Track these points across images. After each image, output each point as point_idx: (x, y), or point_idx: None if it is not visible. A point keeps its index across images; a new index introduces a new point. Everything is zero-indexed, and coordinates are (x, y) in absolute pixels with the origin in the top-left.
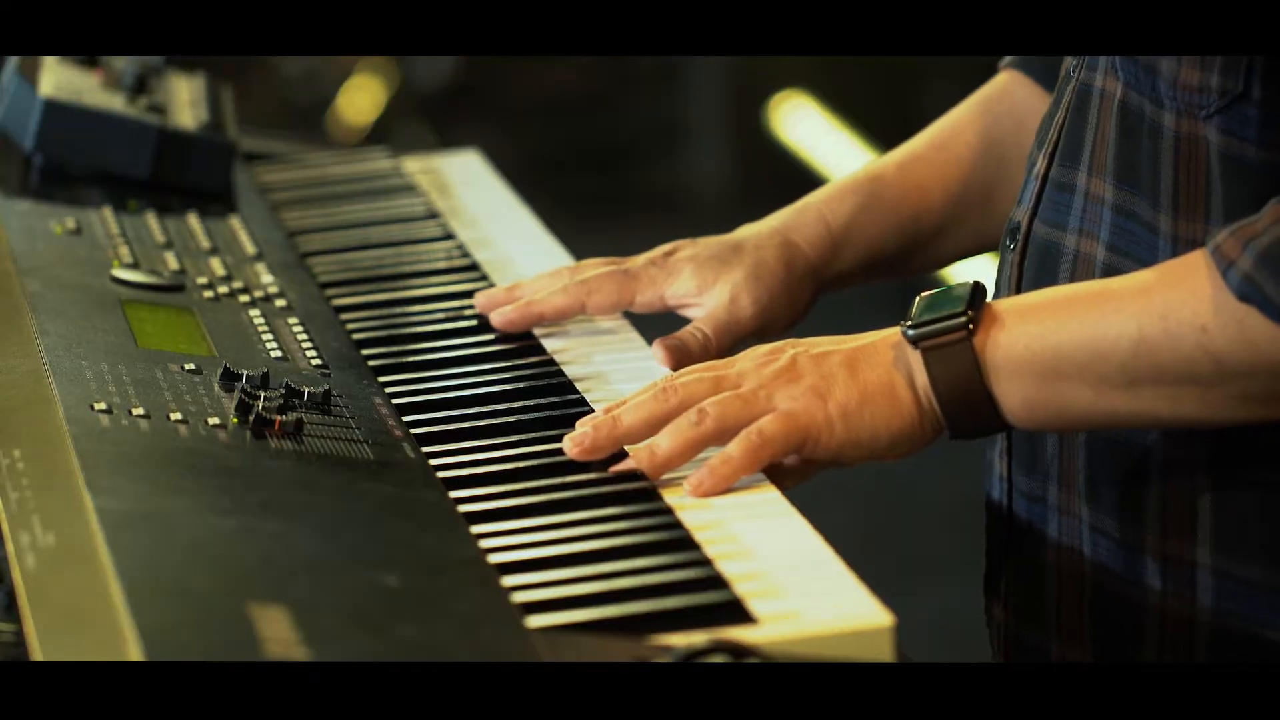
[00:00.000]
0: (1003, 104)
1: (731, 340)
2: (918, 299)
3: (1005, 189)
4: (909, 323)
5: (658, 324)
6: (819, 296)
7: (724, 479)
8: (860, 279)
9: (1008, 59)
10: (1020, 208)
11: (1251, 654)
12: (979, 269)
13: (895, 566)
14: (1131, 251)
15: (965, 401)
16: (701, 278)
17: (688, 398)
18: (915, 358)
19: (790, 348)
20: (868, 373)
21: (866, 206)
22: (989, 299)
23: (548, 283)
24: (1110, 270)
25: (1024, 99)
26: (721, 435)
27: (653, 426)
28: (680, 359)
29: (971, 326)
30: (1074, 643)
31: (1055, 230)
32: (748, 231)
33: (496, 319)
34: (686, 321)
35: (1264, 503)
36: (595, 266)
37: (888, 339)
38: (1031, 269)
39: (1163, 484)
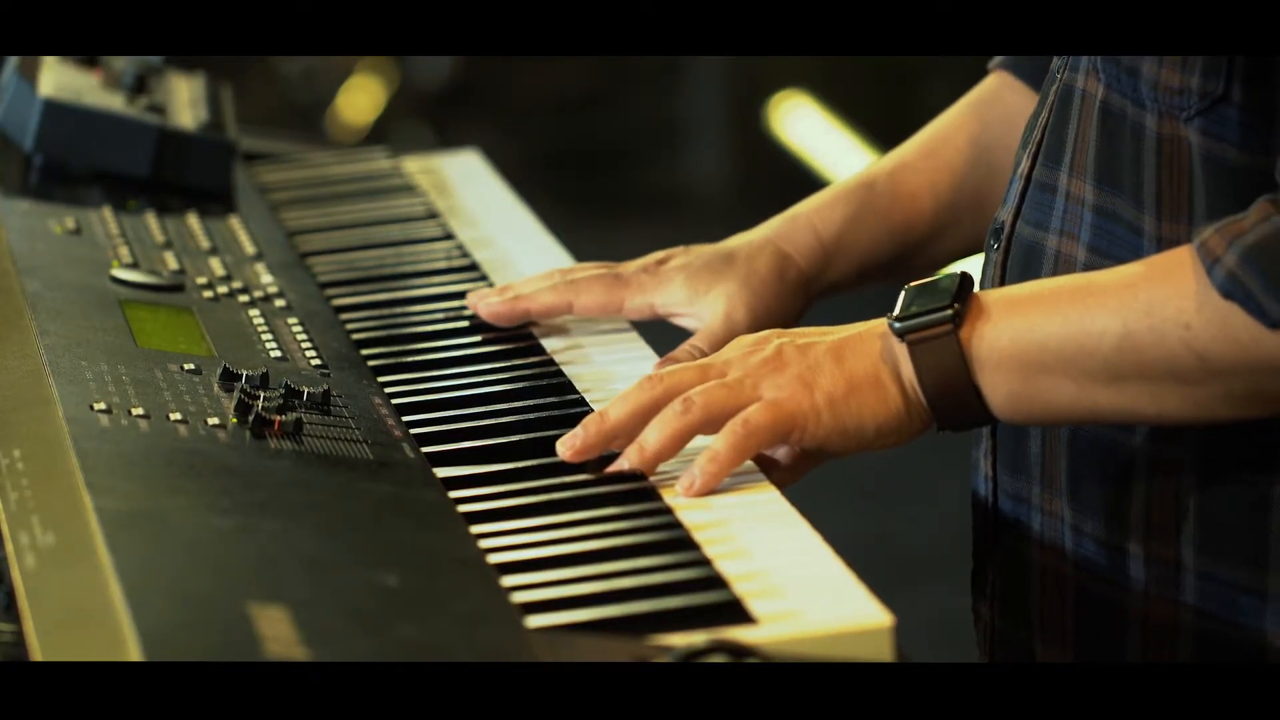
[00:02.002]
0: (993, 109)
1: None
2: (905, 291)
3: (996, 193)
4: (895, 315)
5: (658, 324)
6: (811, 305)
7: (713, 476)
8: (853, 287)
9: (997, 60)
10: (1004, 208)
11: (1233, 655)
12: (973, 261)
13: (895, 566)
14: (1112, 252)
15: (950, 394)
16: (693, 288)
17: (673, 386)
18: (901, 350)
19: (776, 337)
20: (854, 362)
21: (857, 215)
22: (976, 292)
23: (539, 281)
24: (1091, 271)
25: (1014, 102)
26: (708, 424)
27: (639, 417)
28: None
29: (958, 319)
30: (1056, 643)
31: (1038, 231)
32: (739, 241)
33: (483, 309)
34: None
35: (1247, 503)
36: (588, 269)
37: (874, 329)
38: (1015, 269)
39: (1146, 485)
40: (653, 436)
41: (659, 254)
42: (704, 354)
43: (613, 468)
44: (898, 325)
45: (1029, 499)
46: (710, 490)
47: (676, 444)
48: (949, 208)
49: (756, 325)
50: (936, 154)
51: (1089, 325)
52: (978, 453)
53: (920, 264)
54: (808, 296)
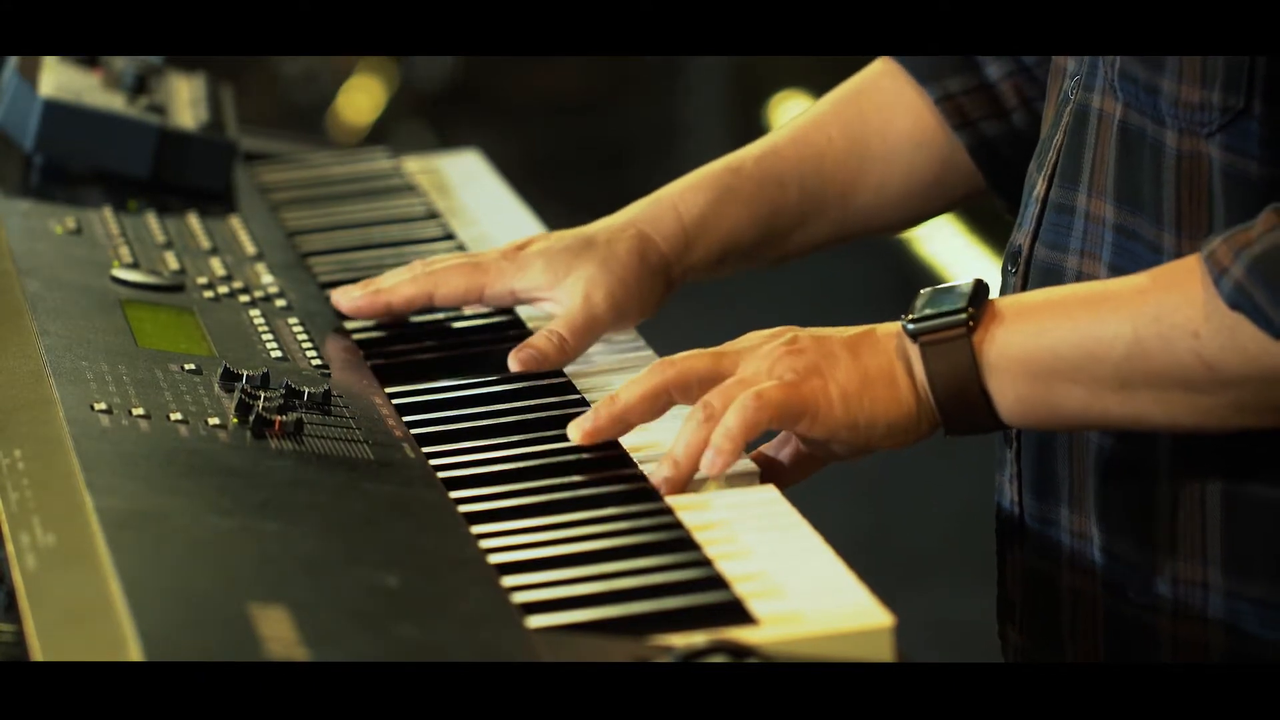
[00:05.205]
0: (871, 99)
1: (590, 338)
2: (920, 294)
3: (866, 183)
4: (910, 317)
5: (658, 322)
6: (674, 288)
7: (729, 454)
8: (715, 271)
9: None
10: (1020, 231)
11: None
12: (980, 271)
13: (895, 566)
14: (1134, 271)
15: (960, 398)
16: (553, 272)
17: (684, 372)
18: (914, 351)
19: (790, 331)
20: (869, 358)
21: (721, 199)
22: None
23: (401, 274)
24: None
25: (894, 93)
26: None
27: (649, 401)
28: (537, 367)
29: (971, 324)
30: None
31: (1056, 252)
32: (600, 225)
33: (345, 303)
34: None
35: (1275, 521)
36: (449, 259)
37: (889, 328)
38: None
39: (1173, 505)
40: (681, 449)
41: (519, 240)
42: (563, 338)
43: (655, 480)
44: (911, 327)
45: (1058, 522)
46: (729, 467)
47: (700, 455)
48: (816, 195)
49: (616, 308)
50: (807, 141)
51: (1099, 331)
52: (1002, 477)
53: (785, 251)
54: (669, 279)
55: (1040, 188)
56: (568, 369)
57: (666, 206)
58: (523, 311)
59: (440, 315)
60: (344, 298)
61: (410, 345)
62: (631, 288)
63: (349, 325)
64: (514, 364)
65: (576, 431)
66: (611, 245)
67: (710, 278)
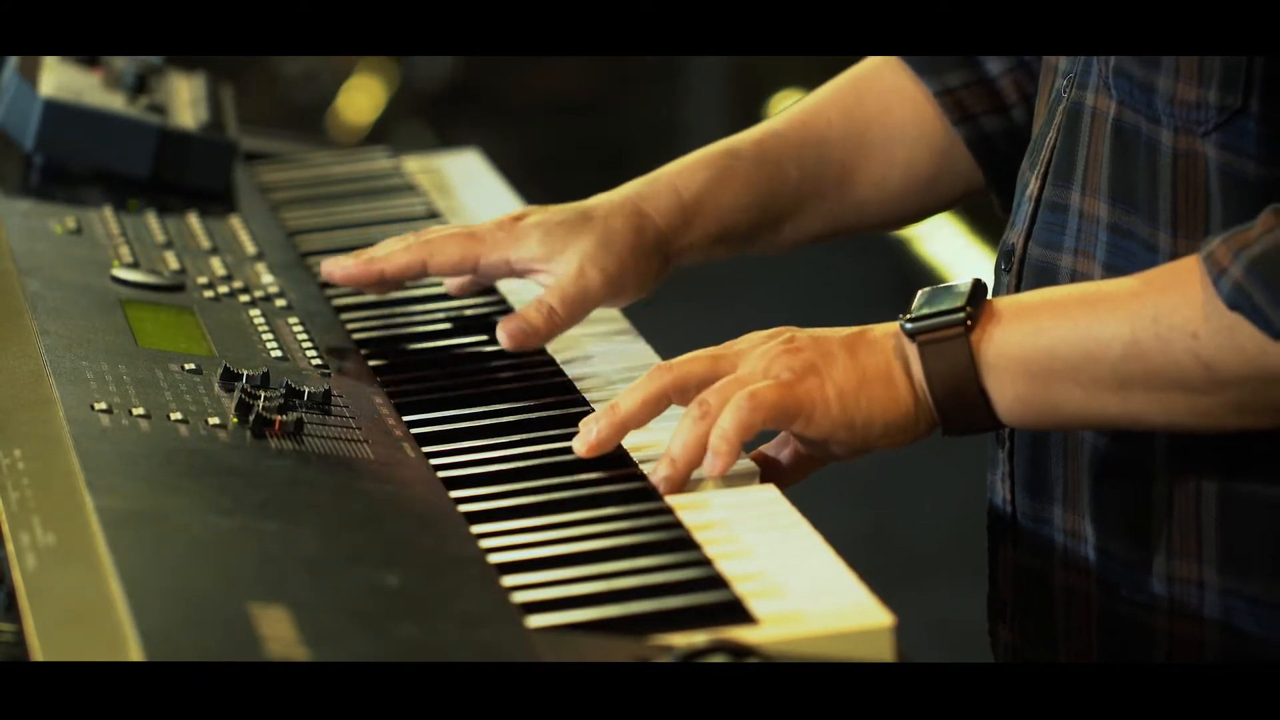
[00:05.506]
0: (871, 87)
1: (581, 312)
2: (919, 294)
3: (865, 171)
4: (908, 316)
5: (658, 322)
6: (670, 267)
7: (728, 455)
8: (710, 252)
9: None
10: (1014, 230)
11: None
12: (979, 271)
13: (895, 566)
14: (1129, 270)
15: (958, 397)
16: (549, 244)
17: (683, 376)
18: (912, 351)
19: (788, 330)
20: (867, 358)
21: (720, 179)
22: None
23: (394, 244)
24: None
25: (893, 82)
26: None
27: (649, 407)
28: (526, 339)
29: (970, 323)
30: (1081, 662)
31: (1051, 251)
32: (598, 200)
33: (338, 272)
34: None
35: (1270, 519)
36: (444, 229)
37: (887, 328)
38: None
39: (1168, 503)
40: (678, 447)
41: (516, 211)
42: (553, 309)
43: (652, 479)
44: (909, 326)
45: (1051, 520)
46: (728, 469)
47: (703, 449)
48: (814, 179)
49: (610, 284)
50: (807, 125)
51: (1097, 332)
52: (994, 476)
53: (783, 234)
54: (665, 257)
55: (1033, 186)
56: (569, 370)
57: (665, 184)
58: (522, 307)
59: (440, 314)
60: (336, 267)
61: (411, 345)
62: (627, 264)
63: (349, 325)
64: (502, 335)
65: (581, 445)
66: (609, 220)
67: (706, 259)
